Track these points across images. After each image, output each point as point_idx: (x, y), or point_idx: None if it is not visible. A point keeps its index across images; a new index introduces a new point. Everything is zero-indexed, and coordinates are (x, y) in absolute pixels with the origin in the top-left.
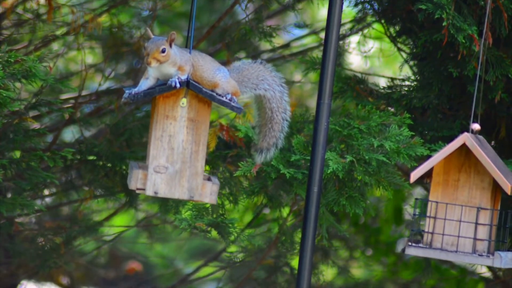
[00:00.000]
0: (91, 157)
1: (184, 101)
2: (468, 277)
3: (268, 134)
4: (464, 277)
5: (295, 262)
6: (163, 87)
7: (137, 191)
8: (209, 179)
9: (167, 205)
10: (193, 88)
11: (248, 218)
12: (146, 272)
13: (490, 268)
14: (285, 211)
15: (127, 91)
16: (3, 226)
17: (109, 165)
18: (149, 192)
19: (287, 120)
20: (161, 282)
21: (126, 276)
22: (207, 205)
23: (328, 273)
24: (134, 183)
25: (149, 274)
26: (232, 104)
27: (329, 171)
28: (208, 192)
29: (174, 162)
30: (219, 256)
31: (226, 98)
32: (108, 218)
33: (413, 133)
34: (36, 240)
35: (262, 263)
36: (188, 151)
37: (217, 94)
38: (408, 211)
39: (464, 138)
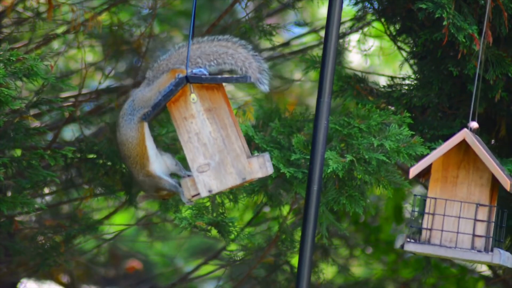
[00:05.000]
0: (91, 156)
1: (193, 96)
2: (468, 275)
3: (248, 66)
4: (464, 275)
5: (295, 261)
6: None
7: (193, 199)
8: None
9: (167, 203)
10: (193, 80)
11: (248, 216)
12: (146, 270)
13: (490, 267)
14: (285, 210)
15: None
16: (3, 224)
17: (109, 163)
18: (204, 193)
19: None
20: (161, 280)
21: (126, 274)
22: (207, 204)
23: (328, 271)
24: (187, 192)
25: (149, 272)
26: (236, 77)
27: (329, 171)
28: (257, 167)
29: (212, 156)
30: (219, 254)
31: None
32: (108, 217)
33: (413, 133)
34: (36, 238)
35: (262, 262)
36: (220, 139)
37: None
38: (408, 209)
39: (464, 134)
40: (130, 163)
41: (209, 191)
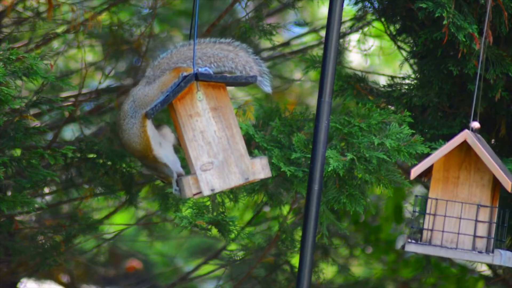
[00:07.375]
0: (91, 155)
1: (199, 94)
2: (468, 275)
3: (249, 70)
4: (464, 275)
5: (295, 260)
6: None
7: (195, 197)
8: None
9: (167, 203)
10: (203, 78)
11: (248, 216)
12: (146, 270)
13: (490, 266)
14: (285, 209)
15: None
16: (3, 224)
17: (109, 163)
18: (206, 192)
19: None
20: (161, 280)
21: (126, 274)
22: (208, 203)
23: (328, 271)
24: (188, 191)
25: (149, 272)
26: (245, 76)
27: (329, 169)
28: (260, 168)
29: (216, 154)
30: (219, 254)
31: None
32: (108, 216)
33: (414, 131)
34: (36, 238)
35: (262, 261)
36: (224, 138)
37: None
38: (408, 209)
39: (465, 135)
40: (135, 156)
41: (212, 190)
